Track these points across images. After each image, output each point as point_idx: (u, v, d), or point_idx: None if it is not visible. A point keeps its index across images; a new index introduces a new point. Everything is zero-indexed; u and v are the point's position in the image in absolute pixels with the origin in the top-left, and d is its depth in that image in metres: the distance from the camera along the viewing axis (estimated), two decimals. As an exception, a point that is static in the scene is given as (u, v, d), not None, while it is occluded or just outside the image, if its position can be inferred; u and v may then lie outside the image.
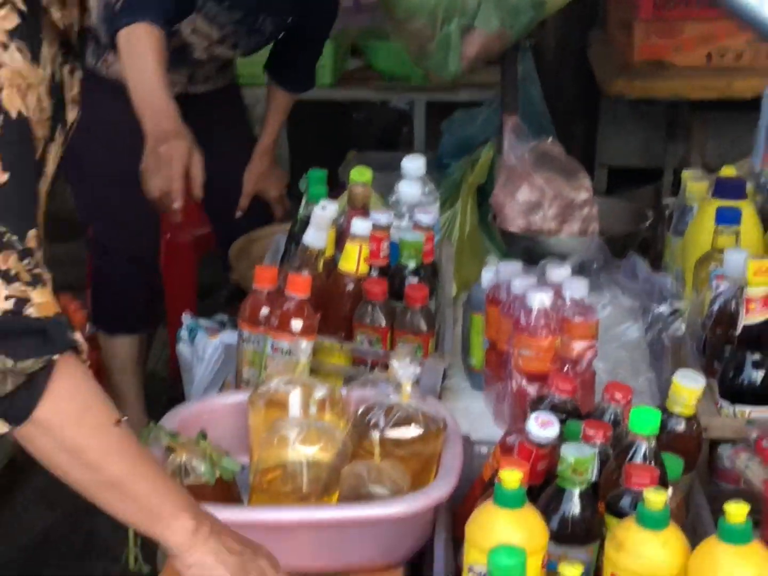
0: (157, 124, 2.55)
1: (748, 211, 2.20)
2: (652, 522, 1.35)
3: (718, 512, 1.35)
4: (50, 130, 1.49)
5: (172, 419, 1.81)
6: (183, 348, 2.70)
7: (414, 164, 2.41)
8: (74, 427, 1.37)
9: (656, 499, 1.35)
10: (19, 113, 1.36)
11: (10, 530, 3.24)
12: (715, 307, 1.95)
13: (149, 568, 1.66)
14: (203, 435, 1.72)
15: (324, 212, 2.08)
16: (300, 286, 1.91)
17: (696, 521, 1.60)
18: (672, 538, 1.37)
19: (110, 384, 3.41)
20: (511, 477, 1.39)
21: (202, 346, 2.58)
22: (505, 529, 1.38)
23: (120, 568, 1.61)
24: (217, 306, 3.32)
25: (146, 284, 3.31)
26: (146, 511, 1.43)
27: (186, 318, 2.78)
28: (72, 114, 1.60)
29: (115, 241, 3.20)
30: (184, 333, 2.72)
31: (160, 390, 3.73)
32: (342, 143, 4.95)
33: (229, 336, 2.49)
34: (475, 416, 2.02)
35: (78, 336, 1.37)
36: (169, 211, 2.57)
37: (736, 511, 1.30)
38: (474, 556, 1.40)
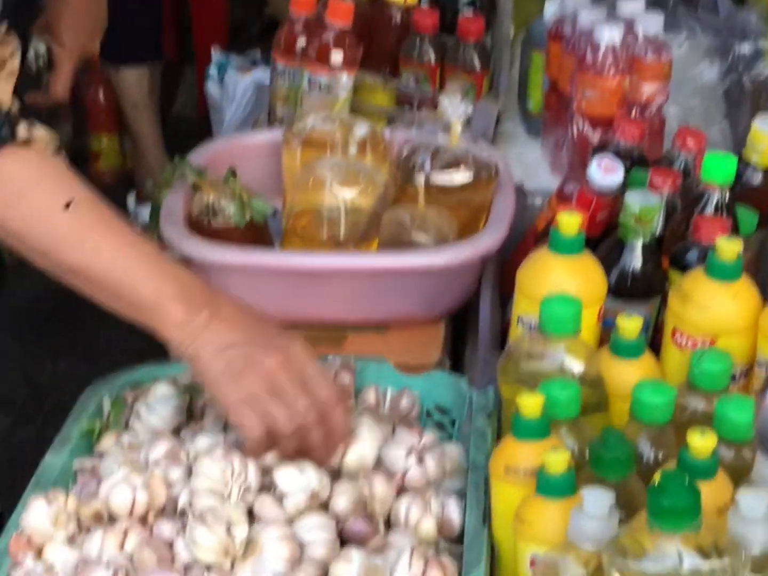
0: None
1: None
2: (723, 272, 1.32)
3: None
4: None
5: (200, 156, 1.80)
6: (212, 87, 2.70)
7: None
8: (12, 211, 1.32)
9: (729, 247, 1.32)
10: None
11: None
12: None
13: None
14: (232, 172, 1.71)
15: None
16: (342, 12, 1.88)
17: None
18: (743, 290, 1.34)
19: (125, 123, 3.56)
20: (569, 220, 1.37)
21: (233, 84, 2.57)
22: (560, 276, 1.36)
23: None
24: (250, 42, 3.29)
25: (147, 8, 3.35)
26: (124, 302, 1.33)
27: (215, 54, 2.75)
28: None
29: None
30: (213, 70, 2.71)
31: (188, 133, 3.72)
32: None
33: (261, 73, 2.47)
34: (530, 164, 2.01)
35: (19, 131, 1.31)
36: None
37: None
38: (524, 306, 1.39)
